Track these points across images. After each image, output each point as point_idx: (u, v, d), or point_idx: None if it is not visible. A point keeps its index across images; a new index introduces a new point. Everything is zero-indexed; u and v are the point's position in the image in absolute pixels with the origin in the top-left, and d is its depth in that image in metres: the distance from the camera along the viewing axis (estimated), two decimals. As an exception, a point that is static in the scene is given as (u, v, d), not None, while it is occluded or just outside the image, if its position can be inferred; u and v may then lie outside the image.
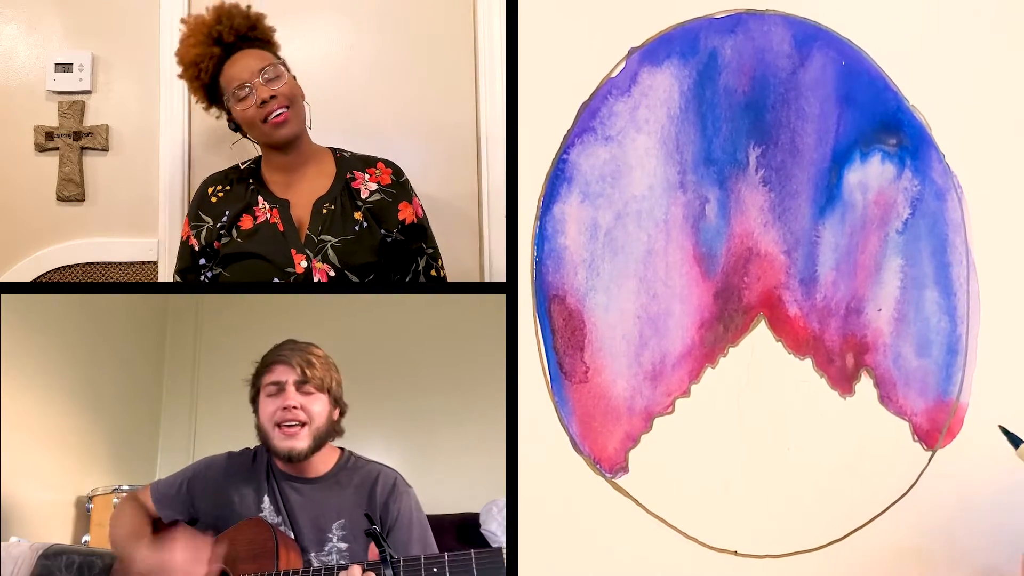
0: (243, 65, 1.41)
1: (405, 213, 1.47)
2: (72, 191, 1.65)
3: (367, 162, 1.50)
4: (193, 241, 1.45)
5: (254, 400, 1.36)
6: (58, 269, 1.65)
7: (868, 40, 1.36)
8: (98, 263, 1.67)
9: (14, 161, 1.66)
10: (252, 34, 1.45)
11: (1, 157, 1.66)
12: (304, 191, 1.46)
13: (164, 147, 1.67)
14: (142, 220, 1.67)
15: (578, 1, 1.31)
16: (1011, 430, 1.26)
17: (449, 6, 1.73)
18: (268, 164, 1.49)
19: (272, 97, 1.39)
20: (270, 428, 1.32)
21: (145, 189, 1.67)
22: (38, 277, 1.64)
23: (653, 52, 1.31)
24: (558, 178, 1.30)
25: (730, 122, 1.33)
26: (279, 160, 1.47)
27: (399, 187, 1.49)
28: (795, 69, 1.34)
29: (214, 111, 1.49)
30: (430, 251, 1.51)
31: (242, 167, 1.51)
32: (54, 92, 1.66)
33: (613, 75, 1.31)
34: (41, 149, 1.66)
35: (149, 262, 1.66)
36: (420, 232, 1.50)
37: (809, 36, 1.34)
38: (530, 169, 1.30)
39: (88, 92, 1.67)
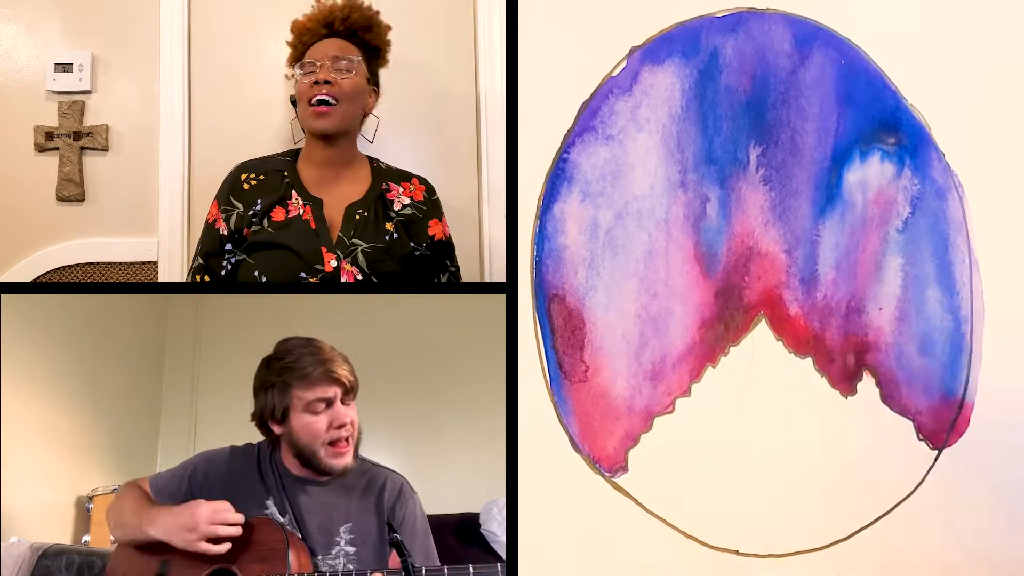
0: (325, 47, 1.45)
1: (435, 230, 1.50)
2: (72, 191, 1.65)
3: (403, 176, 1.53)
4: (221, 224, 1.44)
5: (279, 413, 1.27)
6: (58, 269, 1.65)
7: (868, 39, 1.36)
8: (98, 263, 1.66)
9: (14, 161, 1.65)
10: (363, 34, 1.49)
11: (1, 157, 1.65)
12: (338, 193, 1.47)
13: (164, 147, 1.67)
14: (142, 220, 1.67)
15: (579, 0, 1.31)
16: None
17: (449, 5, 1.72)
18: (306, 157, 1.49)
19: (327, 83, 1.41)
20: (318, 447, 1.26)
21: (145, 189, 1.67)
22: (38, 277, 1.64)
23: (654, 51, 1.31)
24: (558, 177, 1.30)
25: (731, 121, 1.32)
26: (318, 153, 1.48)
27: (431, 204, 1.52)
28: (795, 68, 1.34)
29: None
30: (453, 268, 1.54)
31: (279, 157, 1.51)
32: (54, 92, 1.66)
33: (614, 74, 1.31)
34: (41, 149, 1.65)
35: (149, 262, 1.66)
36: (446, 249, 1.53)
37: (809, 35, 1.34)
38: (530, 168, 1.30)
39: (88, 92, 1.67)
